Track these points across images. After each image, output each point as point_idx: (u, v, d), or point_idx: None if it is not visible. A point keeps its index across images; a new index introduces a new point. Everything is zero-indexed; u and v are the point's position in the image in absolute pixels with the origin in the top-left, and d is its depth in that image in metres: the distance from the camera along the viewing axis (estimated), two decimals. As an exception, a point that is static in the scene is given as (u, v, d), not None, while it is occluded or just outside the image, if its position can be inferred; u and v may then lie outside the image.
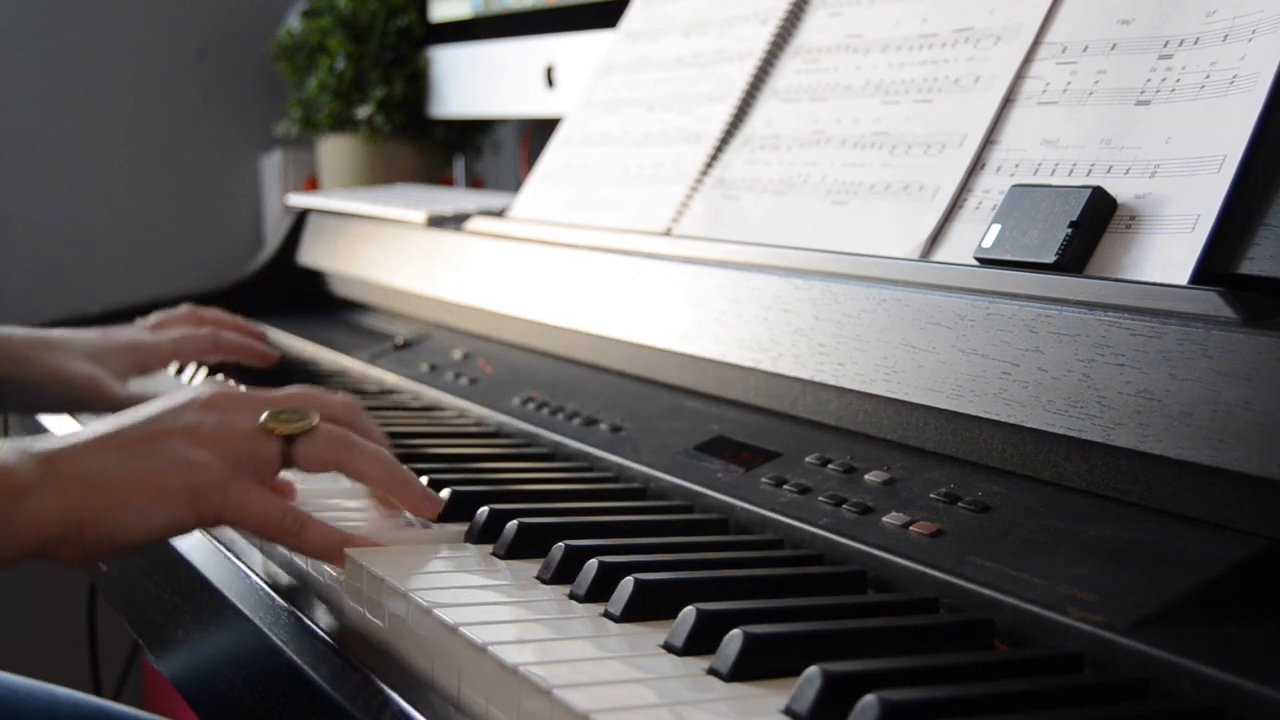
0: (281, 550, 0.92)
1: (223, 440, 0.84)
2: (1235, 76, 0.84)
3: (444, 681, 0.70)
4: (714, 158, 1.25)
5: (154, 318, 1.41)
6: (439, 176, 2.41)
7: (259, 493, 0.84)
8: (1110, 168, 0.88)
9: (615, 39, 1.49)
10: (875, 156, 1.07)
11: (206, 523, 0.83)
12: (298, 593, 0.86)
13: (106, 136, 2.57)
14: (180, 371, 1.42)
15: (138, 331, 1.35)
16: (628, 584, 0.72)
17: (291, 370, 1.47)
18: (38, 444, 0.81)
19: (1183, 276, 0.80)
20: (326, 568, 0.85)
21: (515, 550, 0.83)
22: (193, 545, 0.96)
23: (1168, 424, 0.69)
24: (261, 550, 0.95)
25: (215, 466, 0.82)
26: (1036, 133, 0.95)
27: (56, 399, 1.26)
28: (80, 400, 1.25)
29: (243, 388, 0.93)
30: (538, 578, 0.78)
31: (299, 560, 0.89)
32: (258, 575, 0.89)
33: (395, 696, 0.68)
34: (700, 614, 0.67)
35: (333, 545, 0.83)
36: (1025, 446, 0.79)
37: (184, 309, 1.43)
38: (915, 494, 0.81)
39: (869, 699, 0.56)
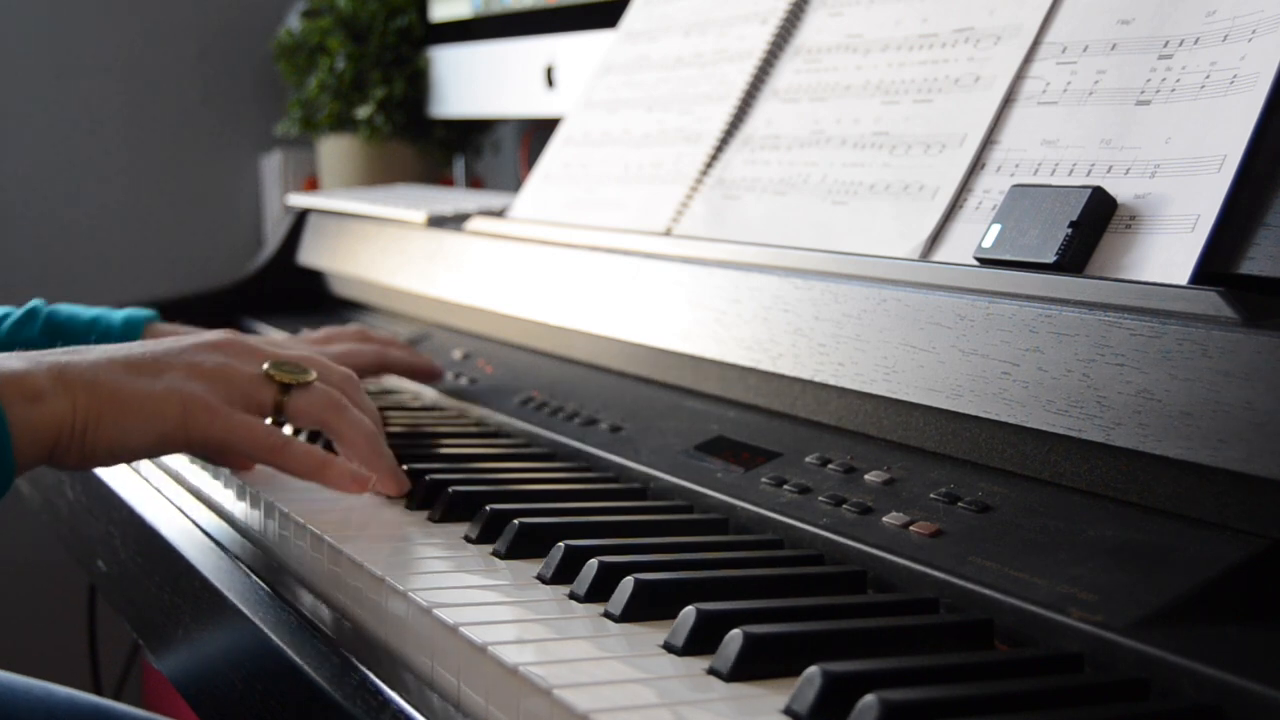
0: (281, 549, 0.92)
1: (221, 377, 0.90)
2: (1235, 76, 0.84)
3: (444, 681, 0.70)
4: (714, 158, 1.25)
5: (322, 332, 1.38)
6: (439, 176, 2.41)
7: (245, 416, 0.90)
8: (1110, 168, 0.88)
9: (615, 39, 1.49)
10: (875, 156, 1.07)
11: (195, 441, 0.89)
12: (297, 591, 0.86)
13: (106, 137, 2.57)
14: None
15: (304, 342, 1.32)
16: (628, 584, 0.72)
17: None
18: (48, 355, 0.87)
19: (1183, 276, 0.80)
20: (327, 566, 0.85)
21: (515, 550, 0.83)
22: (193, 545, 0.96)
23: (1168, 424, 0.69)
24: (261, 549, 0.95)
25: (210, 396, 0.89)
26: (1036, 133, 0.95)
27: None
28: None
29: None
30: (538, 578, 0.78)
31: (298, 559, 0.89)
32: (258, 575, 0.89)
33: (395, 696, 0.68)
34: (700, 614, 0.67)
35: (314, 463, 0.91)
36: (1025, 446, 0.79)
37: (354, 327, 1.39)
38: (915, 494, 0.81)
39: (869, 699, 0.56)
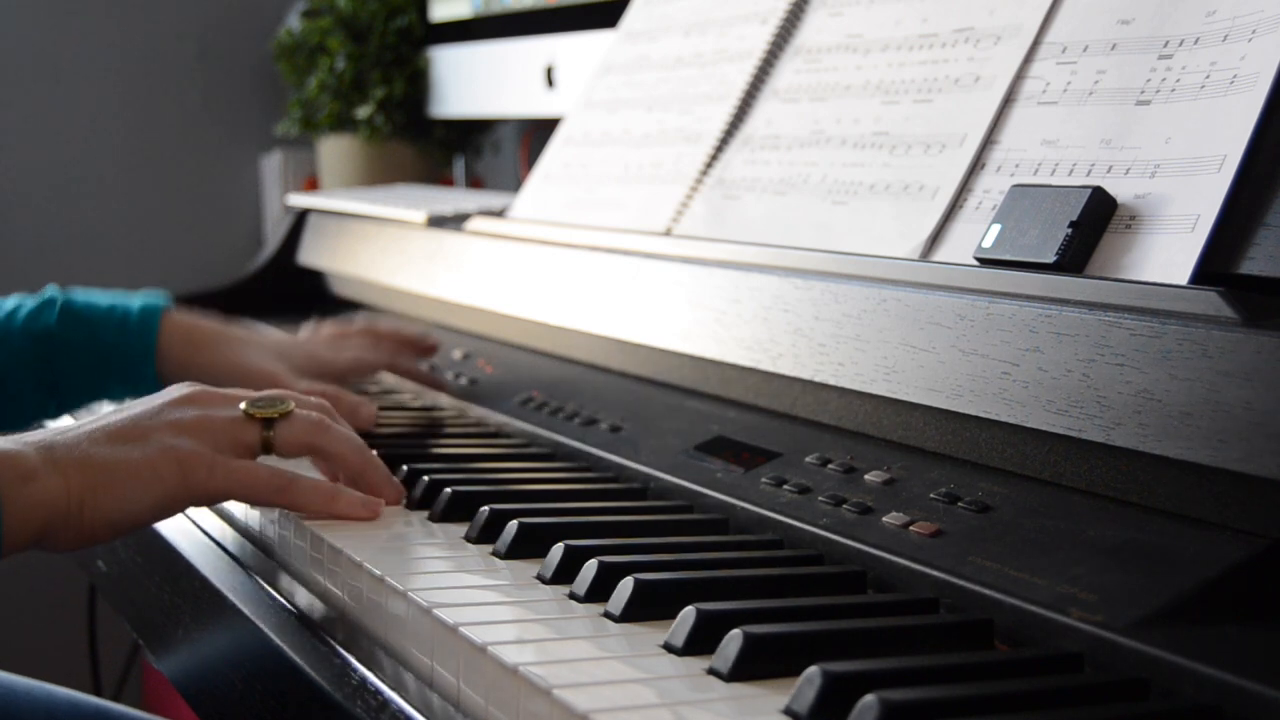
0: (281, 549, 0.92)
1: (205, 428, 0.89)
2: (1235, 76, 0.84)
3: (444, 681, 0.70)
4: (714, 158, 1.25)
5: (329, 327, 1.38)
6: (439, 176, 2.41)
7: (242, 462, 0.90)
8: (1110, 168, 0.88)
9: (615, 39, 1.49)
10: (875, 156, 1.07)
11: (197, 498, 0.88)
12: (297, 592, 0.86)
13: (106, 137, 2.57)
14: None
15: (317, 344, 1.33)
16: (628, 584, 0.72)
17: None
18: (32, 437, 0.86)
19: (1183, 276, 0.80)
20: (327, 566, 0.85)
21: (515, 550, 0.83)
22: (193, 545, 0.96)
23: (1168, 424, 0.69)
24: (261, 549, 0.95)
25: (201, 449, 0.88)
26: (1036, 133, 0.95)
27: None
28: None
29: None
30: (538, 578, 0.78)
31: (298, 559, 0.89)
32: (258, 575, 0.89)
33: (394, 696, 0.68)
34: (700, 614, 0.67)
35: (324, 495, 0.90)
36: (1025, 446, 0.79)
37: (361, 322, 1.40)
38: (915, 494, 0.81)
39: (869, 699, 0.56)
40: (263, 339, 1.30)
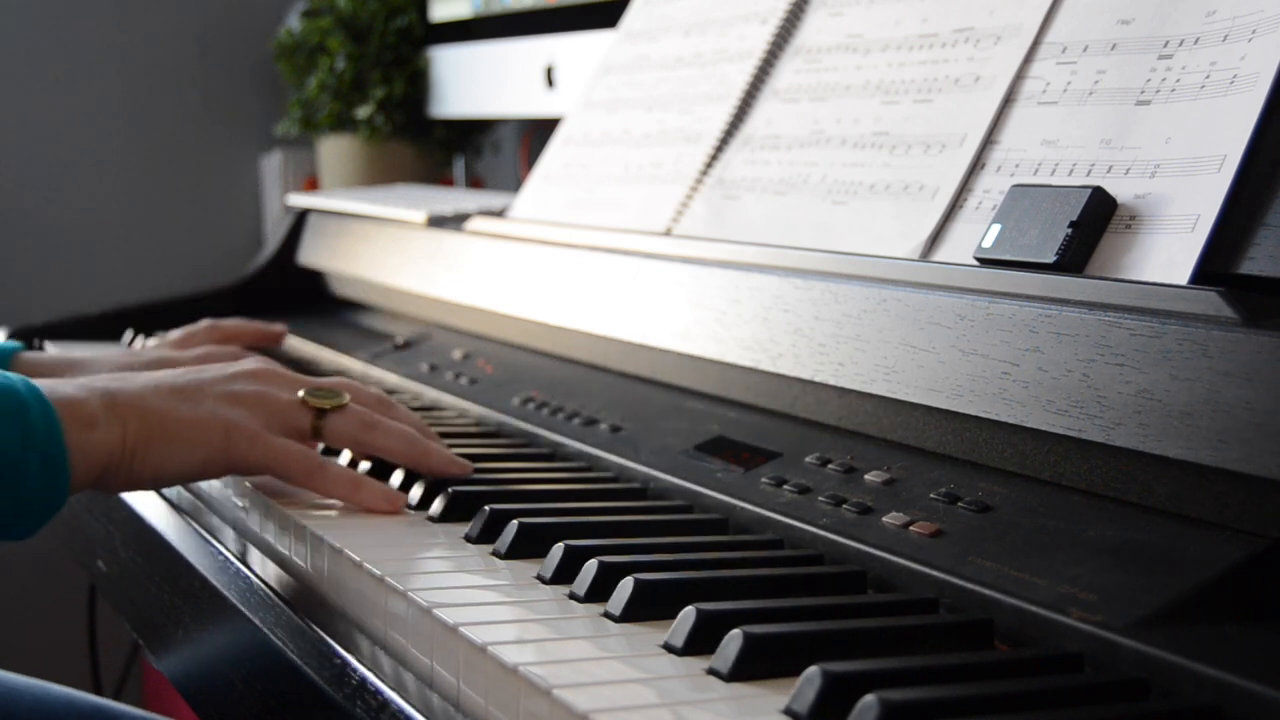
0: (281, 549, 0.92)
1: (260, 405, 0.93)
2: (1235, 76, 0.84)
3: (444, 681, 0.70)
4: (714, 158, 1.25)
5: (176, 334, 1.41)
6: (439, 176, 2.41)
7: (284, 440, 0.93)
8: (1110, 168, 0.88)
9: (615, 39, 1.49)
10: (875, 156, 1.07)
11: (237, 465, 0.92)
12: (297, 592, 0.86)
13: (106, 137, 2.57)
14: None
15: (161, 350, 1.35)
16: (628, 584, 0.72)
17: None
18: (98, 381, 0.90)
19: (1183, 276, 0.80)
20: (327, 566, 0.85)
21: (515, 550, 0.83)
22: (193, 545, 0.96)
23: (1168, 424, 0.69)
24: (261, 549, 0.95)
25: (250, 422, 0.92)
26: (1036, 133, 0.95)
27: None
28: None
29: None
30: (538, 578, 0.78)
31: (298, 559, 0.89)
32: (258, 575, 0.89)
33: (394, 696, 0.68)
34: (700, 614, 0.67)
35: (349, 484, 0.93)
36: (1025, 446, 0.79)
37: (205, 324, 1.43)
38: (915, 494, 0.81)
39: (869, 699, 0.56)
40: (109, 359, 1.32)
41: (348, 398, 0.97)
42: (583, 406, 1.12)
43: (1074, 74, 0.94)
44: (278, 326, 1.49)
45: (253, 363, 0.98)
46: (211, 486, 1.07)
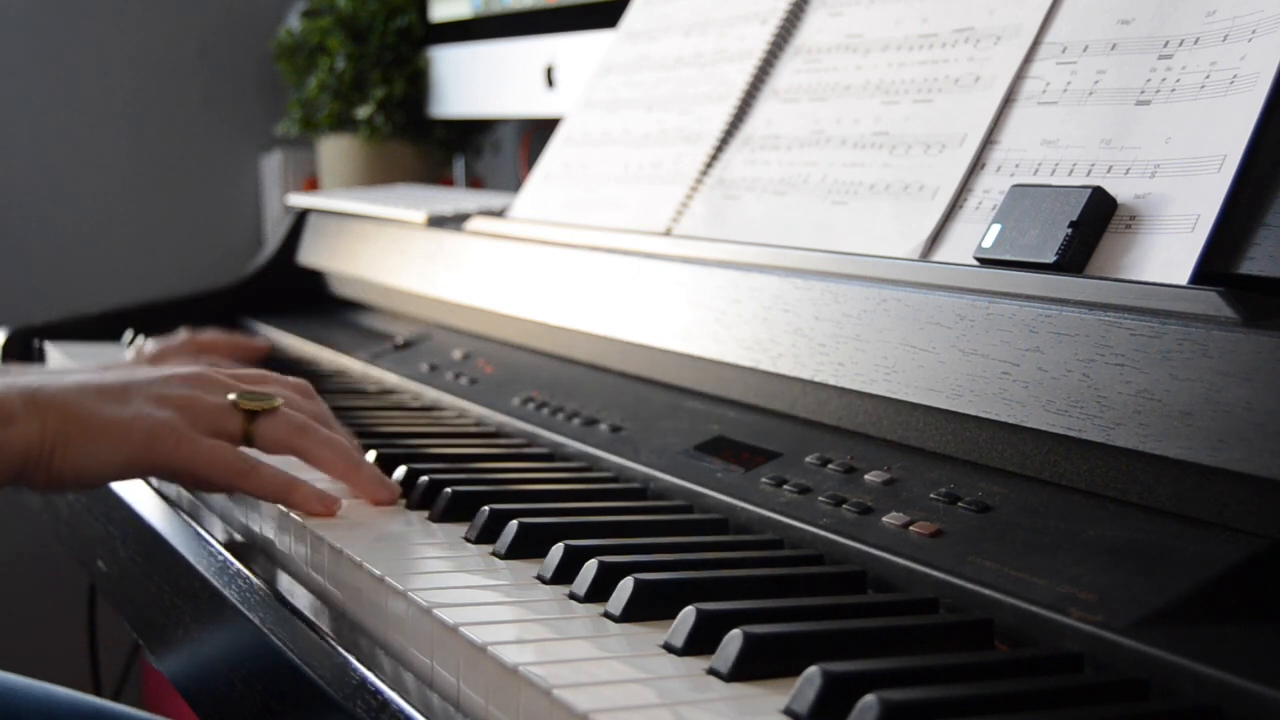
0: (281, 549, 0.92)
1: (189, 406, 0.92)
2: (1235, 76, 0.84)
3: (444, 681, 0.70)
4: (714, 158, 1.25)
5: (150, 347, 1.41)
6: (439, 176, 2.41)
7: (212, 441, 0.91)
8: (1110, 168, 0.88)
9: (615, 39, 1.49)
10: (875, 156, 1.07)
11: (161, 466, 0.90)
12: (297, 592, 0.86)
13: (106, 137, 2.57)
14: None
15: (134, 367, 1.35)
16: (628, 584, 0.72)
17: (289, 371, 1.47)
18: (21, 379, 0.90)
19: (1183, 276, 0.80)
20: (326, 566, 0.85)
21: (515, 550, 0.83)
22: (193, 546, 0.96)
23: (1168, 424, 0.69)
24: (261, 549, 0.95)
25: (177, 423, 0.90)
26: (1036, 133, 0.95)
27: None
28: None
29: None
30: (538, 578, 0.78)
31: (298, 559, 0.89)
32: (258, 575, 0.89)
33: (394, 696, 0.68)
34: (700, 614, 0.67)
35: (280, 484, 0.91)
36: (1025, 446, 0.79)
37: (182, 337, 1.43)
38: (915, 494, 0.81)
39: (869, 699, 0.56)
40: (81, 371, 1.32)
41: (279, 401, 0.94)
42: (583, 406, 1.12)
43: (1074, 74, 0.94)
44: (259, 342, 1.48)
45: (188, 367, 0.97)
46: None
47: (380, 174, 2.31)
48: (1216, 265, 0.80)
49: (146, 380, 0.92)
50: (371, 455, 1.01)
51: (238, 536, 0.99)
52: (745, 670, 0.63)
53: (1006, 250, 0.88)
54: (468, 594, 0.76)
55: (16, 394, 0.87)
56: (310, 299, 1.85)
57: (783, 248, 1.04)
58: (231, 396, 0.93)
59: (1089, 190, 0.85)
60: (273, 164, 2.62)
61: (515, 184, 1.89)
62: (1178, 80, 0.87)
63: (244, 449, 0.93)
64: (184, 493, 1.10)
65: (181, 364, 0.97)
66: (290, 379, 1.00)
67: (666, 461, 0.97)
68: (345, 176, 2.34)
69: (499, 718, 0.65)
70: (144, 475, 0.93)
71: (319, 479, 0.94)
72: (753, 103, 1.24)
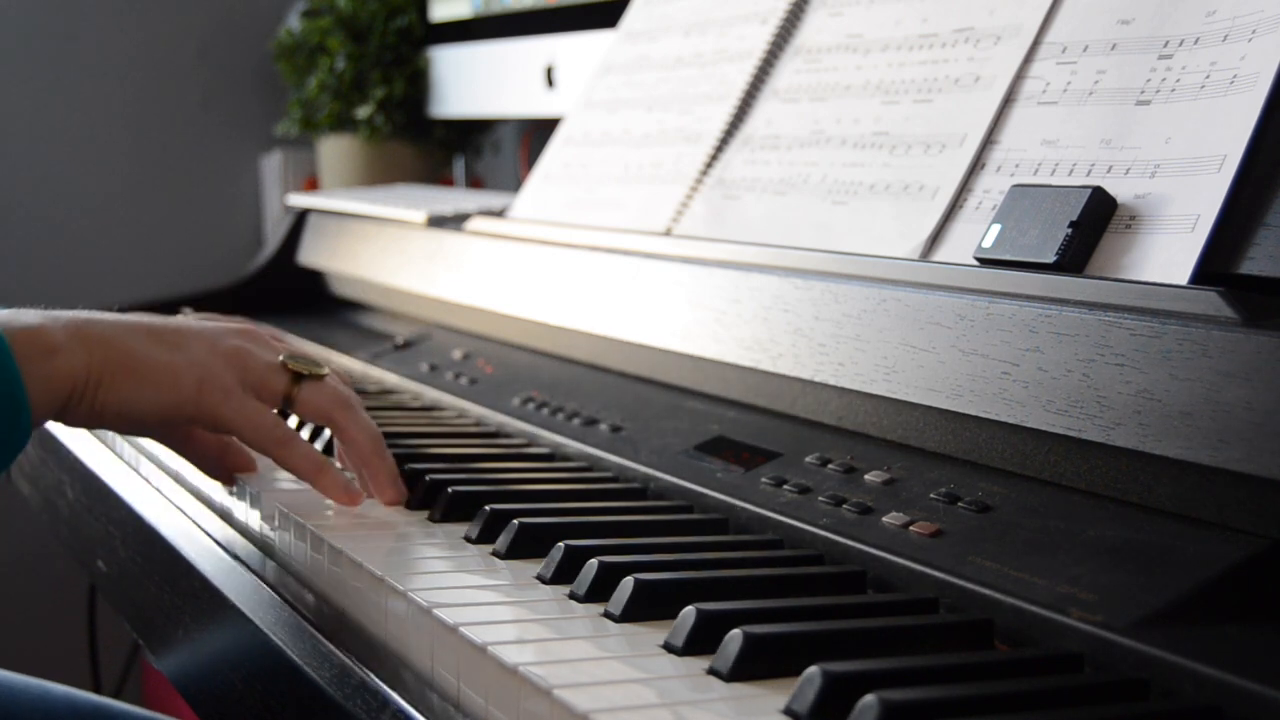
0: (281, 549, 0.92)
1: (239, 360, 0.92)
2: (1235, 76, 0.84)
3: (444, 681, 0.70)
4: (714, 158, 1.25)
5: None
6: (439, 176, 2.41)
7: (257, 403, 0.91)
8: (1110, 168, 0.88)
9: (615, 39, 1.49)
10: (875, 156, 1.07)
11: (204, 416, 0.90)
12: (297, 592, 0.86)
13: (106, 137, 2.57)
14: None
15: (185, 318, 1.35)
16: (628, 584, 0.72)
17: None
18: (66, 313, 0.88)
19: (1183, 276, 0.80)
20: (327, 566, 0.85)
21: (515, 550, 0.83)
22: (193, 545, 0.96)
23: (1168, 424, 0.69)
24: (261, 549, 0.95)
25: (226, 376, 0.90)
26: (1036, 133, 0.95)
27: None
28: None
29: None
30: (538, 578, 0.78)
31: (298, 559, 0.89)
32: (257, 575, 0.89)
33: (395, 696, 0.68)
34: (700, 614, 0.67)
35: (313, 464, 0.92)
36: (1025, 446, 0.79)
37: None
38: (915, 494, 0.81)
39: (869, 699, 0.56)
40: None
41: (328, 370, 0.95)
42: (583, 406, 1.12)
43: (1074, 74, 0.94)
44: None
45: (240, 322, 0.97)
46: (211, 486, 1.07)
47: (380, 174, 2.31)
48: (1216, 265, 0.80)
49: (199, 329, 0.92)
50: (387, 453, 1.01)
51: (238, 536, 0.99)
52: (745, 670, 0.63)
53: (1006, 250, 0.88)
54: (468, 594, 0.76)
55: (62, 326, 0.86)
56: (310, 299, 1.85)
57: (783, 248, 1.04)
58: (281, 357, 0.93)
59: (1089, 190, 0.85)
60: (273, 164, 2.62)
61: (515, 184, 1.89)
62: (1178, 80, 0.87)
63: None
64: (185, 491, 1.10)
65: (236, 323, 0.97)
66: (347, 381, 1.00)
67: (666, 461, 0.97)
68: (345, 176, 2.34)
69: (499, 718, 0.65)
70: (186, 422, 0.91)
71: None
72: (753, 103, 1.24)
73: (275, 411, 0.94)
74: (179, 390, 0.88)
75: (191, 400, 0.89)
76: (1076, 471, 0.76)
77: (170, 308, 1.76)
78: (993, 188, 0.95)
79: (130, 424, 0.91)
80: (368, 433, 0.95)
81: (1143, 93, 0.89)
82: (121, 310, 1.73)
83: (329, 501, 0.94)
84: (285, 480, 0.99)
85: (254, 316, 1.77)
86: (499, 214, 1.49)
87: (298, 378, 0.93)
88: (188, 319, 0.94)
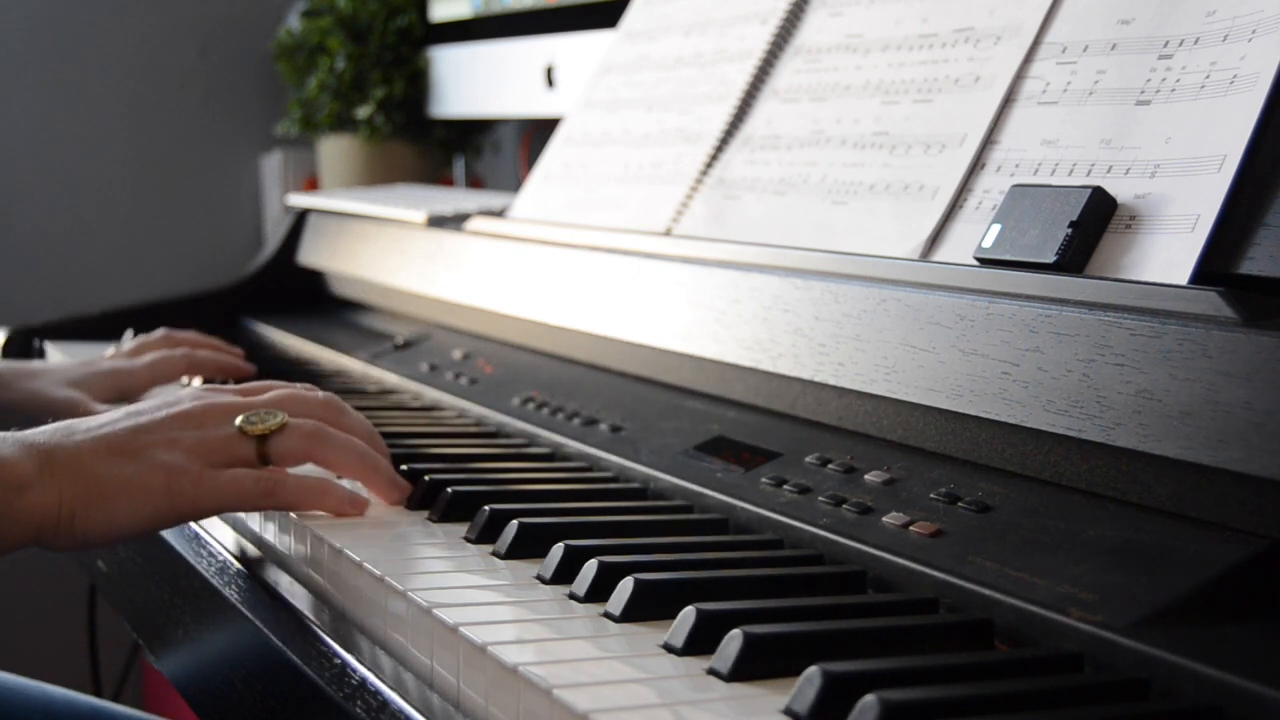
0: (281, 549, 0.92)
1: (199, 447, 0.90)
2: (1235, 76, 0.84)
3: (444, 681, 0.70)
4: (714, 158, 1.25)
5: (130, 344, 1.42)
6: (439, 176, 2.41)
7: (229, 473, 0.90)
8: (1110, 168, 0.88)
9: (615, 39, 1.49)
10: (875, 156, 1.07)
11: (186, 513, 0.89)
12: (297, 592, 0.86)
13: (107, 136, 2.57)
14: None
15: (115, 360, 1.37)
16: (628, 584, 0.72)
17: (289, 371, 1.47)
18: (38, 438, 0.87)
19: (1183, 276, 0.80)
20: (327, 566, 0.85)
21: (515, 550, 0.83)
22: (193, 546, 0.96)
23: (1168, 424, 0.69)
24: (261, 549, 0.95)
25: (191, 465, 0.89)
26: (1036, 133, 0.95)
27: (37, 423, 1.29)
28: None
29: (227, 390, 0.97)
30: (538, 578, 0.78)
31: (298, 559, 0.89)
32: (258, 575, 0.89)
33: (394, 696, 0.68)
34: (700, 614, 0.67)
35: (312, 492, 0.91)
36: (1025, 446, 0.79)
37: (160, 333, 1.44)
38: (915, 494, 0.81)
39: (869, 699, 0.56)
40: (65, 368, 1.33)
41: (284, 416, 0.93)
42: (583, 406, 1.12)
43: (1074, 74, 0.94)
44: (237, 350, 1.45)
45: (188, 402, 0.94)
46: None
47: (380, 174, 2.31)
48: (1216, 265, 0.80)
49: (153, 424, 0.90)
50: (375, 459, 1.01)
51: (237, 536, 0.98)
52: (745, 670, 0.63)
53: (1006, 250, 0.88)
54: (468, 594, 0.76)
55: (33, 459, 0.85)
56: (310, 299, 1.85)
57: (783, 248, 1.04)
58: (238, 422, 0.92)
59: (1089, 190, 0.85)
60: (273, 164, 2.62)
61: (515, 184, 1.89)
62: (1178, 80, 0.87)
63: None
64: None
65: (181, 397, 0.95)
66: (314, 396, 0.98)
67: (666, 461, 0.97)
68: (345, 176, 2.34)
69: (499, 718, 0.65)
70: (175, 524, 0.91)
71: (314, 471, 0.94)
72: (753, 103, 1.24)
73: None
74: (151, 499, 0.87)
75: (167, 503, 0.88)
76: (1076, 471, 0.76)
77: (171, 308, 1.76)
78: (993, 188, 0.95)
79: (120, 541, 0.91)
80: (350, 450, 0.94)
81: (1143, 93, 0.89)
82: (120, 310, 1.72)
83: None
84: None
85: (254, 316, 1.77)
86: (499, 214, 1.49)
87: (262, 439, 0.92)
88: (142, 413, 0.91)
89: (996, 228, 0.90)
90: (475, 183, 2.50)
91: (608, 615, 0.72)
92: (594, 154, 1.42)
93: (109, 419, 0.91)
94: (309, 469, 0.94)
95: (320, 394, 0.98)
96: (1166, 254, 0.81)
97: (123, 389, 1.33)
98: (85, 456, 0.87)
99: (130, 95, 2.58)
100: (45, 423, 0.92)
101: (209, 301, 1.83)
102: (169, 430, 0.90)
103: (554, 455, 1.07)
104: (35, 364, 1.34)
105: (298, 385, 0.99)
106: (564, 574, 0.77)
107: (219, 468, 0.90)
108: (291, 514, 0.91)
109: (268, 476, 0.90)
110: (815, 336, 0.93)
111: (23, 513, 0.84)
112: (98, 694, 1.27)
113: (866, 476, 0.85)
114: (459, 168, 2.48)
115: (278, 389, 0.97)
